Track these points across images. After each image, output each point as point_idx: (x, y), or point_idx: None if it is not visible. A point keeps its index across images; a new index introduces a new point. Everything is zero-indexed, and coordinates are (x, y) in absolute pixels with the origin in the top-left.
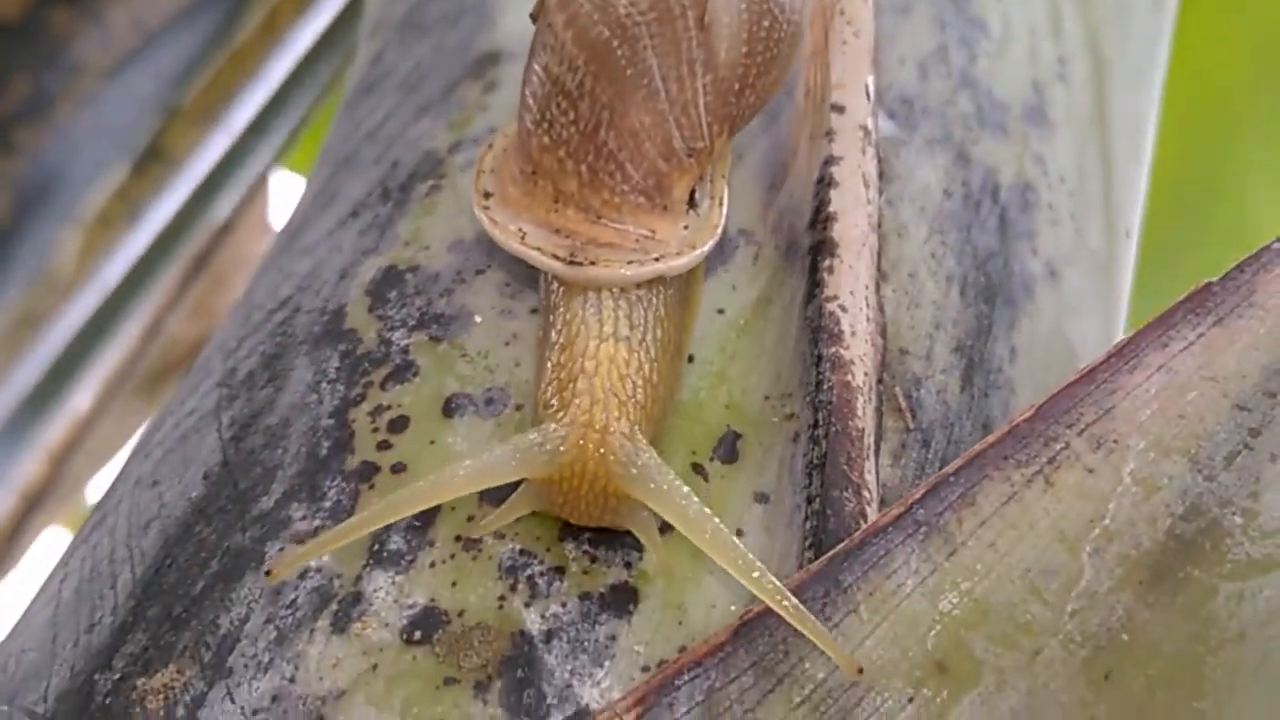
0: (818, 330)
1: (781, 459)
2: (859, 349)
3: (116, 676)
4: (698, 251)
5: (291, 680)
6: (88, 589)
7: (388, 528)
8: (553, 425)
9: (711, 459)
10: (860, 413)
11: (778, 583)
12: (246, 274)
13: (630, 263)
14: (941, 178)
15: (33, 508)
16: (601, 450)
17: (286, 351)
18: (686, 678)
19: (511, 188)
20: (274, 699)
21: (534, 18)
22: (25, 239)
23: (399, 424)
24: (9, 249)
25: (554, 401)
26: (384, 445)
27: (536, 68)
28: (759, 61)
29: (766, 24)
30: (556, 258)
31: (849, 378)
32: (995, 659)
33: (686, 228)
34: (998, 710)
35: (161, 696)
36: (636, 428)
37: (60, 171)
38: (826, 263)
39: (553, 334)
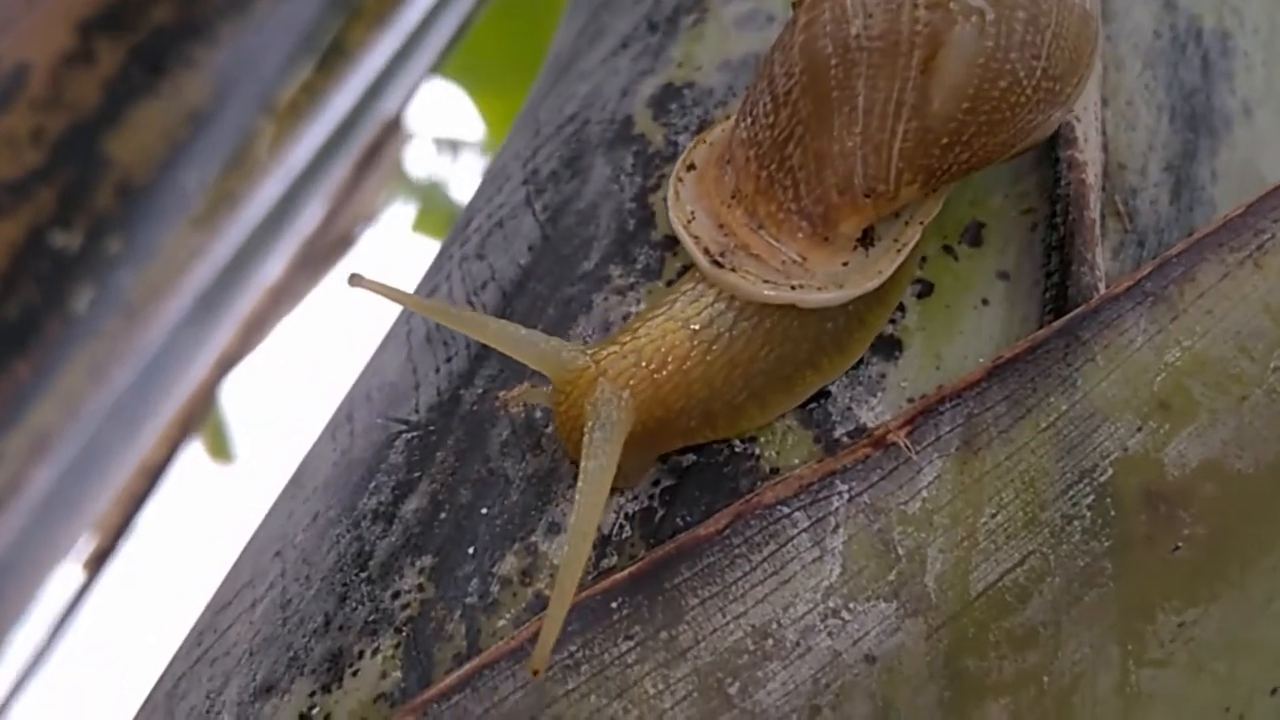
0: (1055, 136)
1: (1021, 245)
2: (1091, 154)
3: (480, 390)
4: (842, 292)
5: None
6: (437, 335)
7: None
8: (578, 347)
9: (960, 242)
10: (1092, 205)
11: (578, 574)
12: (383, 174)
13: (767, 282)
14: (1152, 20)
15: (224, 373)
16: (590, 388)
17: (584, 154)
18: (948, 405)
19: (713, 168)
20: None
21: (795, 6)
22: (226, 124)
23: None
24: (212, 132)
25: (604, 338)
26: None
27: (768, 60)
28: (982, 121)
29: (1003, 84)
30: (707, 253)
31: (1083, 175)
32: (1210, 401)
33: (845, 264)
34: (1210, 441)
35: (521, 403)
36: (632, 398)
37: (256, 63)
38: None
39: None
